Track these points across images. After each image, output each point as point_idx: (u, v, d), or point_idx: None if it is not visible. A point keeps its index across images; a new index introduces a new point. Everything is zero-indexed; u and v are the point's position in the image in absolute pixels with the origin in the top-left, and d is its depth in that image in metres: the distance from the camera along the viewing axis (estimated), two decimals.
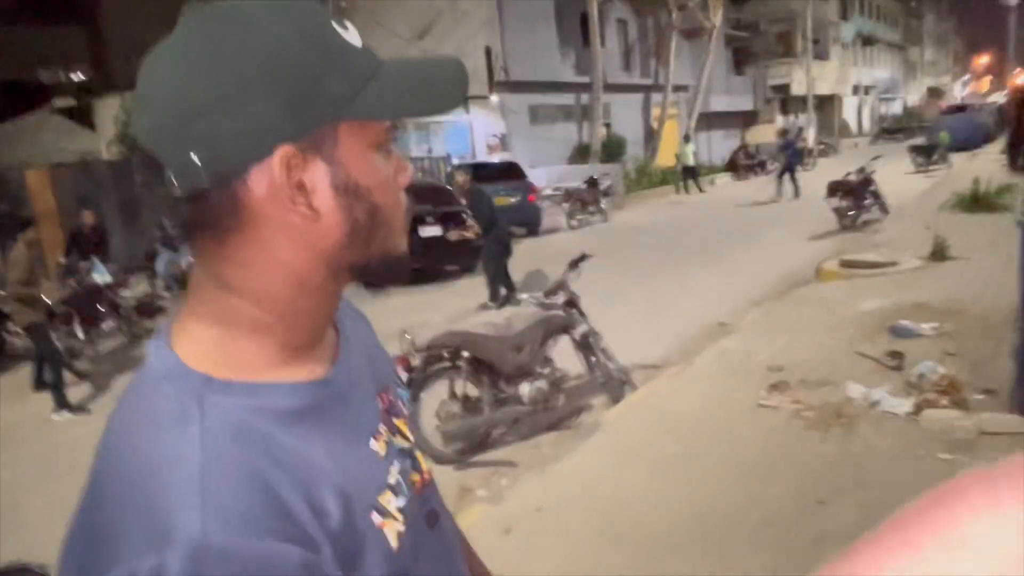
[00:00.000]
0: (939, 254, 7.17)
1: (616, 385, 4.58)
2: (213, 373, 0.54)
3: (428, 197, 9.92)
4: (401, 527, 0.59)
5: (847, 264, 7.48)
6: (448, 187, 10.71)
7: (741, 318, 6.26)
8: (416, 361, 4.01)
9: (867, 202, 10.89)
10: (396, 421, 0.67)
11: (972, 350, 4.53)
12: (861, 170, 10.96)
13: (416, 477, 0.66)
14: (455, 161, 15.81)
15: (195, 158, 0.51)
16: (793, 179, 15.65)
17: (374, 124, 0.57)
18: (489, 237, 7.59)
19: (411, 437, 0.69)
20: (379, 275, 0.61)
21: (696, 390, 4.50)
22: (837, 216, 10.70)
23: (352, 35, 0.57)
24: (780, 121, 34.35)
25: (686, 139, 20.68)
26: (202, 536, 0.46)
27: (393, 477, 0.61)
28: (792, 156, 16.08)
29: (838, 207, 10.69)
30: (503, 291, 7.52)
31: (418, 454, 0.69)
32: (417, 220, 9.30)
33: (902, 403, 3.84)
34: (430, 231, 9.52)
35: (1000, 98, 35.57)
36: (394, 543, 0.57)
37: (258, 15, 0.53)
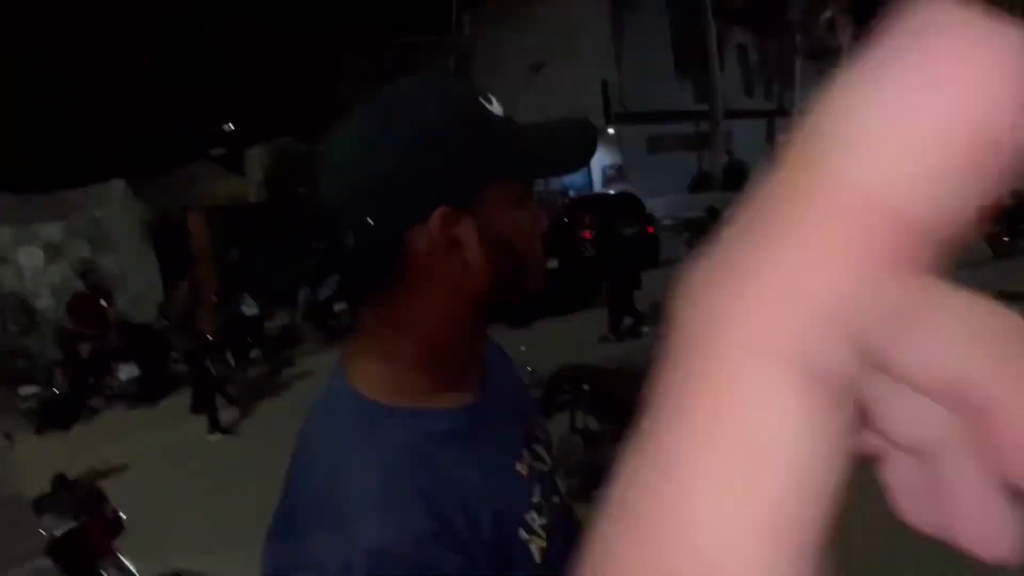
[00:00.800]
0: None
1: None
2: (383, 401, 0.63)
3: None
4: (544, 544, 0.64)
5: (1006, 296, 6.83)
6: (566, 220, 10.83)
7: None
8: (537, 394, 4.07)
9: None
10: (536, 446, 0.73)
11: None
12: (1016, 189, 10.02)
13: (556, 499, 0.71)
14: (571, 194, 15.96)
15: (370, 220, 0.61)
16: None
17: (515, 183, 0.65)
18: (617, 270, 7.61)
19: (549, 462, 0.74)
20: (523, 304, 0.69)
21: None
22: (987, 241, 9.82)
23: (495, 107, 0.66)
24: None
25: None
26: (381, 542, 0.54)
27: (536, 497, 0.67)
28: None
29: (989, 231, 9.82)
30: (628, 322, 7.47)
31: (557, 477, 0.74)
32: None
33: None
34: (548, 264, 9.64)
35: None
36: (538, 559, 0.63)
37: (421, 100, 0.64)
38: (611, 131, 18.42)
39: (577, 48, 19.38)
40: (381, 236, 0.61)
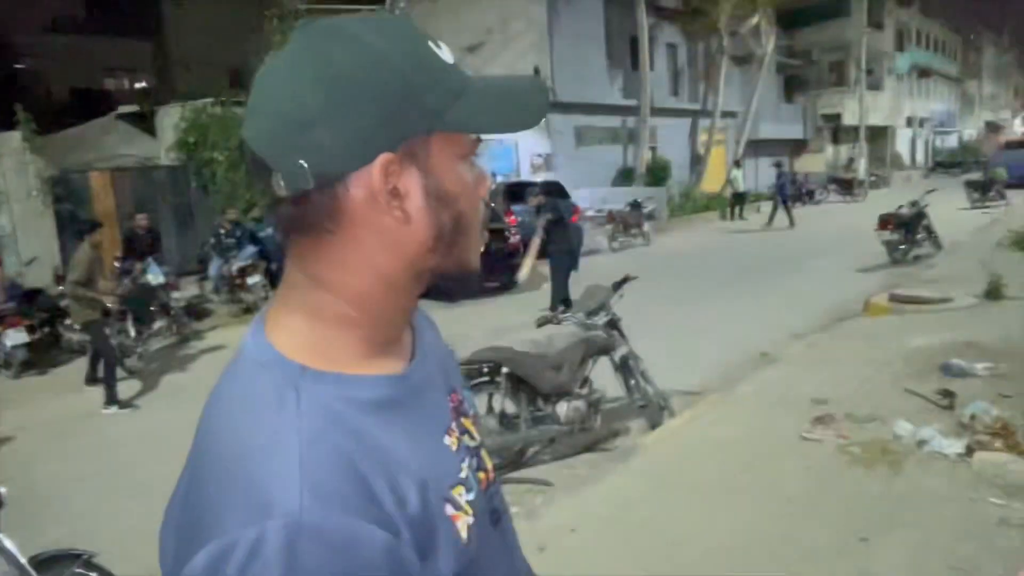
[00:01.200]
0: (994, 293, 6.95)
1: (655, 410, 4.54)
2: (306, 363, 0.58)
3: None
4: (471, 520, 0.61)
5: (897, 299, 7.30)
6: (491, 203, 10.81)
7: (785, 348, 6.16)
8: None
9: (919, 236, 10.64)
10: (464, 420, 0.70)
11: None
12: (914, 203, 10.71)
13: (482, 475, 0.68)
14: (499, 179, 15.93)
15: (303, 163, 0.55)
16: (787, 208, 17.16)
17: (462, 136, 0.61)
18: (563, 249, 7.67)
19: (477, 436, 0.71)
20: (455, 281, 0.64)
21: (737, 419, 4.44)
22: (887, 249, 10.47)
23: (445, 53, 0.61)
24: (830, 151, 33.79)
25: (736, 165, 20.53)
26: (299, 512, 0.49)
27: (464, 472, 0.64)
28: (783, 188, 17.59)
29: (889, 240, 10.47)
30: (557, 308, 7.53)
31: (483, 453, 0.71)
32: None
33: (952, 444, 3.72)
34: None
35: None
36: (464, 535, 0.60)
37: (364, 34, 0.58)
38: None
39: (512, 33, 19.30)
40: (315, 181, 0.56)
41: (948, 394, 4.39)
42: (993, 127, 58.76)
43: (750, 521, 3.18)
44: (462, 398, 0.72)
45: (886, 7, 37.48)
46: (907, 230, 10.49)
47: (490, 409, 4.14)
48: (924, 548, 2.83)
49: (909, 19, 41.90)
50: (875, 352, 5.58)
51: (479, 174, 0.64)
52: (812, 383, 4.92)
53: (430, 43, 0.61)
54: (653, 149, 21.66)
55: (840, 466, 3.65)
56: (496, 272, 9.63)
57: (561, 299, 7.56)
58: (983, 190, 18.03)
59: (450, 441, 0.65)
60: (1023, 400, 4.26)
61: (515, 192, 13.11)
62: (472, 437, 0.70)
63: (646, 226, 15.40)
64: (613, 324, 4.50)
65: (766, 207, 22.37)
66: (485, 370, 4.06)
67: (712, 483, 3.59)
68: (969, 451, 3.64)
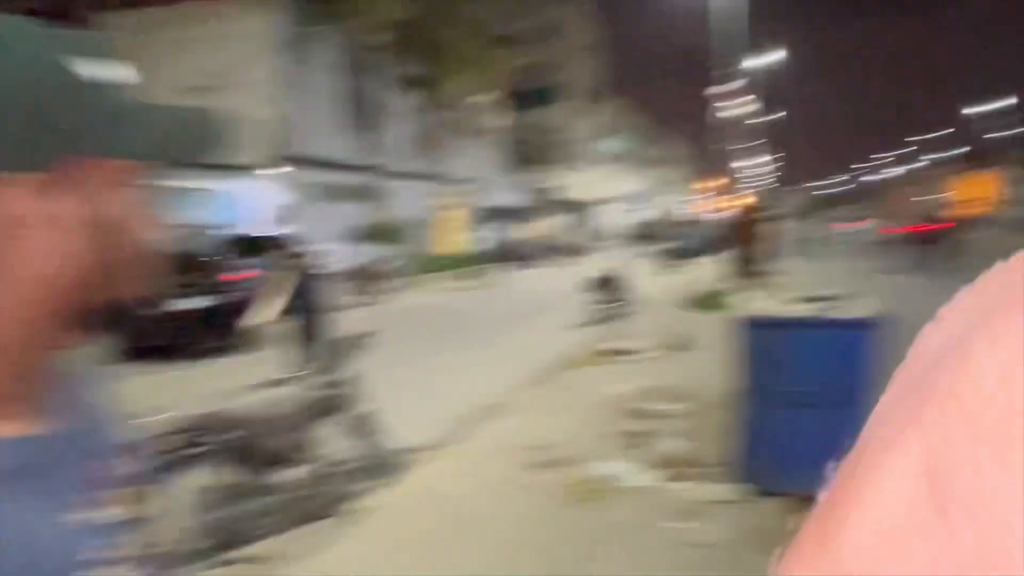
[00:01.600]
0: (676, 344, 8.21)
1: (387, 468, 4.52)
2: None
3: (187, 267, 8.98)
4: None
5: (601, 352, 8.25)
6: (214, 257, 10.07)
7: (509, 399, 6.57)
8: (168, 444, 3.63)
9: (618, 296, 12.21)
10: (108, 493, 0.62)
11: (704, 429, 5.19)
12: (614, 268, 12.32)
13: (126, 554, 0.60)
14: (229, 231, 14.96)
15: None
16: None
17: (123, 164, 0.55)
18: (315, 312, 7.31)
19: (129, 512, 0.63)
20: (106, 325, 0.58)
21: (465, 471, 4.60)
22: (593, 307, 11.82)
23: (109, 70, 0.55)
24: (549, 220, 37.53)
25: (471, 229, 21.80)
26: None
27: (92, 553, 0.56)
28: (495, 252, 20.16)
29: (595, 300, 11.84)
30: (306, 365, 7.16)
31: (133, 529, 0.63)
32: (169, 292, 8.49)
33: (646, 477, 4.27)
34: (187, 304, 8.74)
35: (725, 216, 42.28)
36: None
37: None
38: (274, 171, 17.90)
39: (245, 81, 18.55)
40: None
41: (642, 434, 5.04)
42: (675, 206, 70.27)
43: (480, 569, 3.28)
44: (114, 469, 0.63)
45: (593, 99, 43.46)
46: (609, 291, 11.99)
47: (209, 481, 3.78)
48: (629, 571, 3.18)
49: (613, 111, 48.96)
50: (585, 399, 6.21)
51: (145, 210, 0.58)
52: (532, 431, 5.30)
53: (84, 57, 0.54)
54: (392, 209, 22.12)
55: (557, 506, 3.96)
56: (218, 331, 8.89)
57: (315, 353, 7.25)
58: (667, 258, 21.38)
59: (78, 516, 0.56)
60: (701, 435, 5.05)
61: (246, 245, 12.38)
62: (119, 512, 0.61)
63: (383, 284, 15.54)
64: (346, 382, 4.43)
65: (491, 269, 23.89)
66: (203, 438, 3.71)
67: (443, 536, 3.66)
68: (661, 482, 4.21)
